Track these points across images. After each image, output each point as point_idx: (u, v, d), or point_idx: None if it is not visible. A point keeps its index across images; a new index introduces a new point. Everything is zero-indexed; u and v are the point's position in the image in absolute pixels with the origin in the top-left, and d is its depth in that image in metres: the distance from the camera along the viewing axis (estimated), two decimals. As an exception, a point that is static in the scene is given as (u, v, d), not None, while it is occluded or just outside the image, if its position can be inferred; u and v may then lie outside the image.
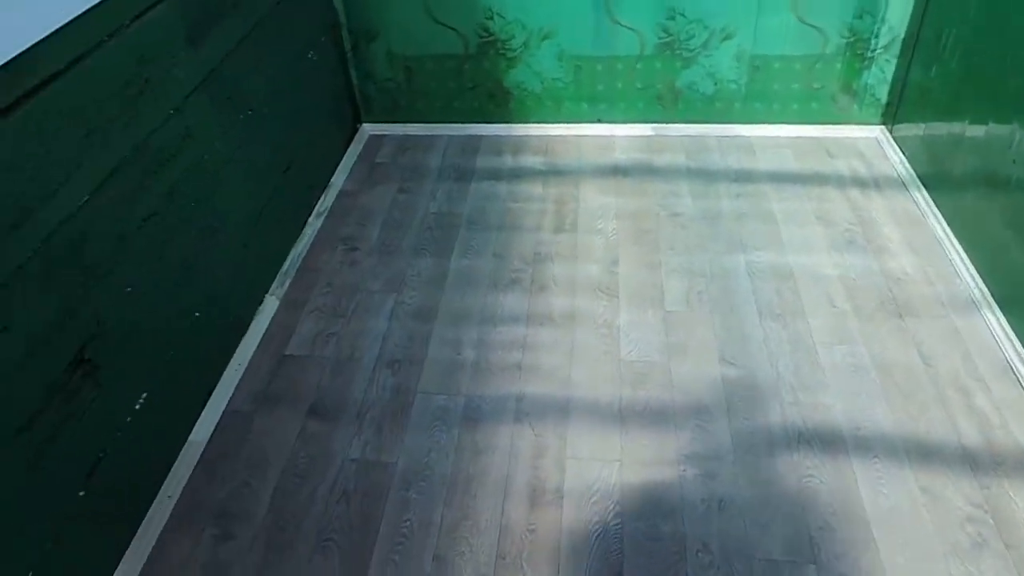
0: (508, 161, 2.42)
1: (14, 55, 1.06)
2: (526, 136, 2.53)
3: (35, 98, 1.12)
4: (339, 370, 1.73)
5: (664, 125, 2.50)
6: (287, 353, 1.77)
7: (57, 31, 1.15)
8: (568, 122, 2.52)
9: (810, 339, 1.74)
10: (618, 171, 2.34)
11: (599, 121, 2.51)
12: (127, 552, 1.34)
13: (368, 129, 2.59)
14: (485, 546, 1.37)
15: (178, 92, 1.50)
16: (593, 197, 2.24)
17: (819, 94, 2.39)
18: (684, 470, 1.47)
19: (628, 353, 1.73)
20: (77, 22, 1.20)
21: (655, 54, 2.34)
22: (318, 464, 1.52)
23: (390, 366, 1.73)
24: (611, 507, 1.42)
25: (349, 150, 2.48)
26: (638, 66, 2.38)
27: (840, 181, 2.25)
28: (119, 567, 1.32)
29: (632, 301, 1.87)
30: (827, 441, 1.51)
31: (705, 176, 2.31)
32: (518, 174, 2.36)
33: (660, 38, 2.31)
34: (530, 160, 2.42)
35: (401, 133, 2.58)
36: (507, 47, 2.36)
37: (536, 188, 2.28)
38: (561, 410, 1.61)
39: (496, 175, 2.35)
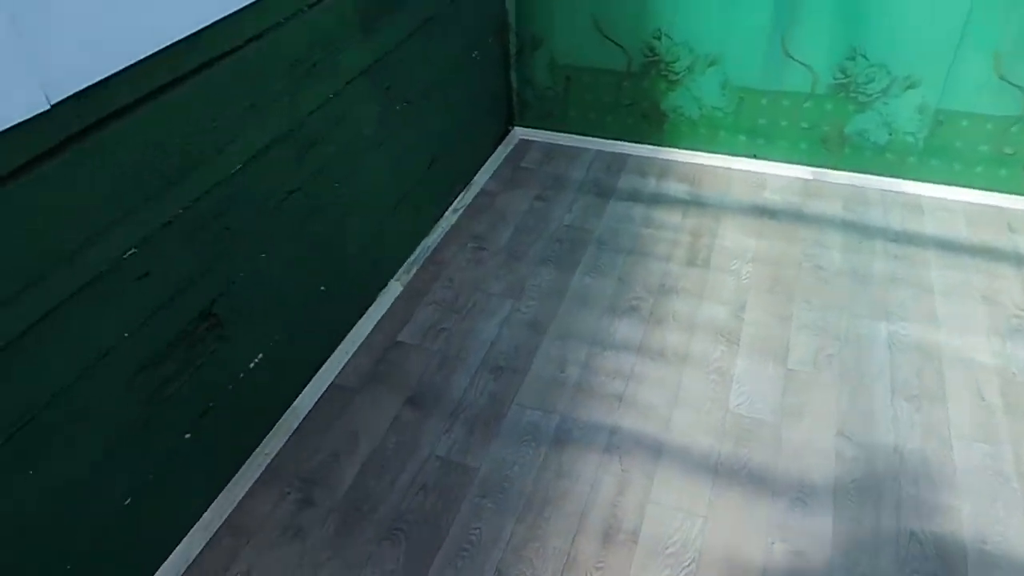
0: (651, 184, 2.36)
1: (200, 28, 1.16)
2: (674, 161, 2.46)
3: (211, 69, 1.21)
4: (443, 365, 1.76)
5: (825, 170, 2.35)
6: (399, 339, 1.83)
7: (242, 9, 1.24)
8: (721, 153, 2.42)
9: (946, 430, 1.57)
10: (765, 212, 2.23)
11: (755, 156, 2.40)
12: (219, 496, 1.43)
13: (519, 133, 2.62)
14: (548, 572, 1.34)
15: (341, 77, 1.58)
16: (733, 235, 2.14)
17: (1010, 160, 2.16)
18: (772, 543, 1.38)
19: (737, 405, 1.64)
20: (260, 4, 1.29)
21: (827, 94, 2.20)
22: (405, 453, 1.56)
23: (493, 371, 1.74)
24: (686, 563, 1.35)
25: (497, 151, 2.52)
26: (806, 105, 2.25)
27: (1018, 260, 2.02)
28: (209, 508, 1.41)
29: (753, 351, 1.77)
30: (943, 548, 1.36)
31: (860, 231, 2.14)
32: (659, 199, 2.30)
33: (835, 78, 2.17)
34: (674, 187, 2.35)
35: (550, 141, 2.59)
36: (670, 69, 2.30)
37: (674, 216, 2.22)
38: (654, 450, 1.55)
39: (636, 197, 2.31)
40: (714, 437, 1.57)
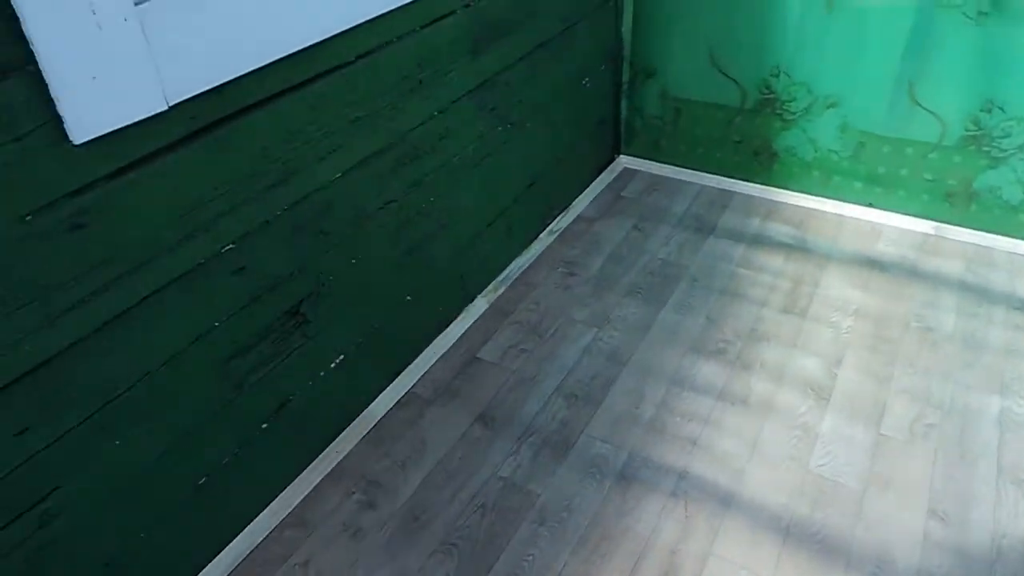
0: (754, 225, 2.29)
1: (312, 43, 1.22)
2: (782, 203, 2.38)
3: (320, 81, 1.28)
4: (518, 387, 1.76)
5: (947, 226, 2.20)
6: (478, 356, 1.85)
7: (356, 27, 1.31)
8: (834, 198, 2.32)
9: (1054, 522, 1.43)
10: (875, 264, 2.11)
11: (870, 205, 2.28)
12: (288, 488, 1.49)
13: (624, 161, 2.61)
14: (596, 611, 1.32)
15: (447, 96, 1.62)
16: (836, 285, 2.04)
17: None
18: (839, 616, 1.29)
19: (819, 466, 1.56)
20: (374, 22, 1.35)
21: (956, 146, 2.07)
22: (469, 469, 1.57)
23: (567, 398, 1.73)
24: (742, 624, 1.29)
25: (600, 178, 2.52)
26: (932, 155, 2.12)
27: None
28: (278, 498, 1.47)
29: (843, 411, 1.68)
30: (1034, 651, 1.24)
31: (980, 294, 1.99)
32: (761, 240, 2.22)
33: (967, 130, 2.03)
34: (778, 229, 2.27)
35: (655, 172, 2.56)
36: (786, 108, 2.23)
37: (775, 260, 2.14)
38: (723, 501, 1.49)
39: (737, 236, 2.24)
40: (789, 496, 1.50)
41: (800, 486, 1.52)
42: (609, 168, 2.56)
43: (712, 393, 1.74)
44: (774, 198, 2.39)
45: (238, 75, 1.10)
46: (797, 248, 2.19)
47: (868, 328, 1.89)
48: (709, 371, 1.80)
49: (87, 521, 1.10)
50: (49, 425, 1.00)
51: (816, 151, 2.26)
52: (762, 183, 2.40)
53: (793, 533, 1.43)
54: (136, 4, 0.93)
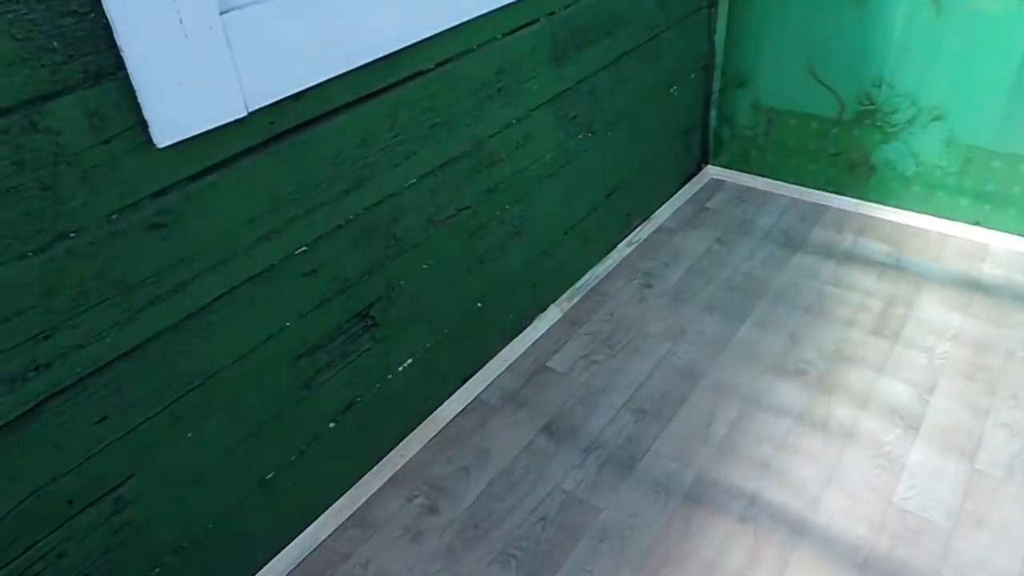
0: (846, 240, 2.18)
1: (391, 52, 1.24)
2: (878, 219, 2.25)
3: (397, 89, 1.30)
4: (586, 399, 1.74)
5: (1064, 250, 2.03)
6: (548, 365, 1.83)
7: (436, 35, 1.32)
8: (936, 216, 2.18)
9: None
10: (978, 287, 1.97)
11: (977, 224, 2.13)
12: (352, 488, 1.52)
13: (711, 172, 2.54)
14: (653, 635, 1.28)
15: (526, 103, 1.62)
16: (933, 308, 1.91)
17: None
18: (916, 666, 1.21)
19: (903, 500, 1.46)
20: (456, 30, 1.36)
21: (1078, 164, 1.91)
22: (532, 480, 1.56)
23: (635, 413, 1.69)
24: (807, 664, 1.22)
25: (684, 188, 2.46)
26: (1049, 174, 1.96)
27: None
28: (341, 497, 1.50)
29: (934, 442, 1.57)
30: None
31: (1099, 326, 1.83)
32: (852, 257, 2.11)
33: (1091, 147, 1.87)
34: (872, 246, 2.15)
35: (743, 183, 2.48)
36: (887, 120, 2.11)
37: (867, 279, 2.02)
38: (795, 530, 1.42)
39: (827, 252, 2.14)
40: (868, 529, 1.41)
41: (881, 519, 1.43)
42: (695, 179, 2.50)
43: (790, 415, 1.66)
44: (870, 213, 2.27)
45: (317, 83, 1.13)
46: (892, 267, 2.06)
47: (966, 355, 1.77)
48: (788, 392, 1.72)
49: (158, 509, 1.15)
50: (126, 415, 1.06)
51: (918, 165, 2.13)
52: (857, 197, 2.29)
53: (870, 569, 1.35)
54: (221, 13, 0.97)
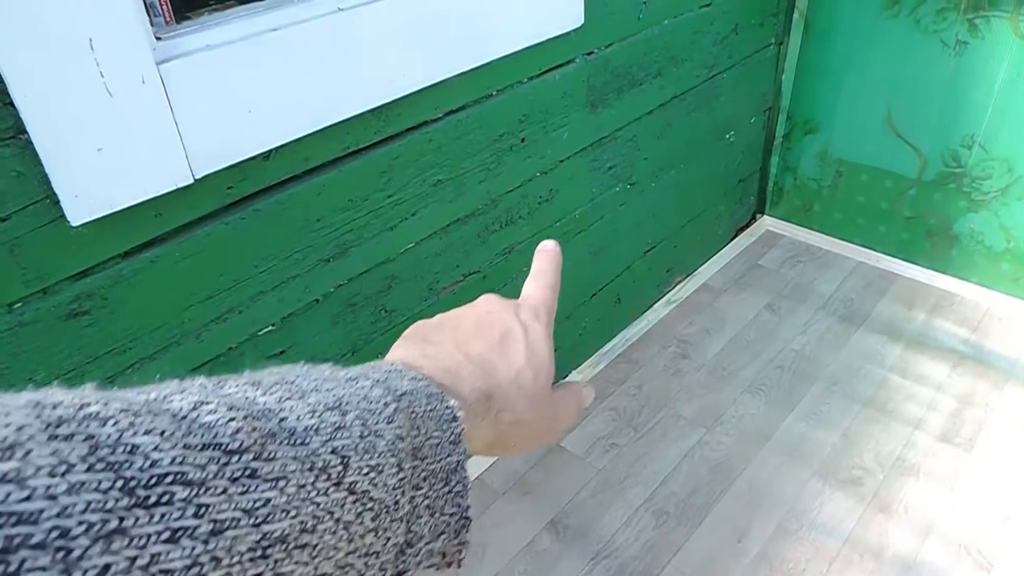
0: (918, 319, 1.91)
1: (389, 100, 1.05)
2: (957, 296, 1.97)
3: (397, 141, 1.11)
4: (602, 490, 1.52)
5: None
6: (561, 444, 1.63)
7: (438, 83, 1.12)
8: (1026, 299, 1.90)
9: None
10: (1074, 392, 1.69)
11: (1075, 313, 1.84)
12: None
13: (768, 223, 2.29)
14: None
15: (554, 154, 1.41)
16: (1019, 412, 1.64)
17: None
18: None
19: (969, 667, 1.21)
20: (470, 74, 1.16)
21: None
22: (528, 591, 1.36)
23: (656, 515, 1.47)
24: None
25: (736, 241, 2.21)
26: None
27: None
28: None
29: (1010, 591, 1.31)
30: None
31: None
32: (924, 341, 1.84)
33: None
34: (948, 329, 1.88)
35: (803, 240, 2.22)
36: (976, 186, 1.84)
37: (940, 369, 1.76)
38: None
39: (894, 332, 1.87)
40: None
41: None
42: (749, 230, 2.25)
43: (838, 536, 1.42)
44: (947, 288, 1.99)
45: (285, 142, 0.94)
46: (970, 357, 1.79)
47: (1056, 479, 1.50)
48: (837, 505, 1.48)
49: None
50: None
51: (1010, 241, 1.85)
52: (934, 269, 2.01)
53: None
54: (160, 63, 0.79)
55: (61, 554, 0.17)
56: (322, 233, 1.06)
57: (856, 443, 1.60)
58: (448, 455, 0.30)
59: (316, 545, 0.23)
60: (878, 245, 2.09)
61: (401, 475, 0.27)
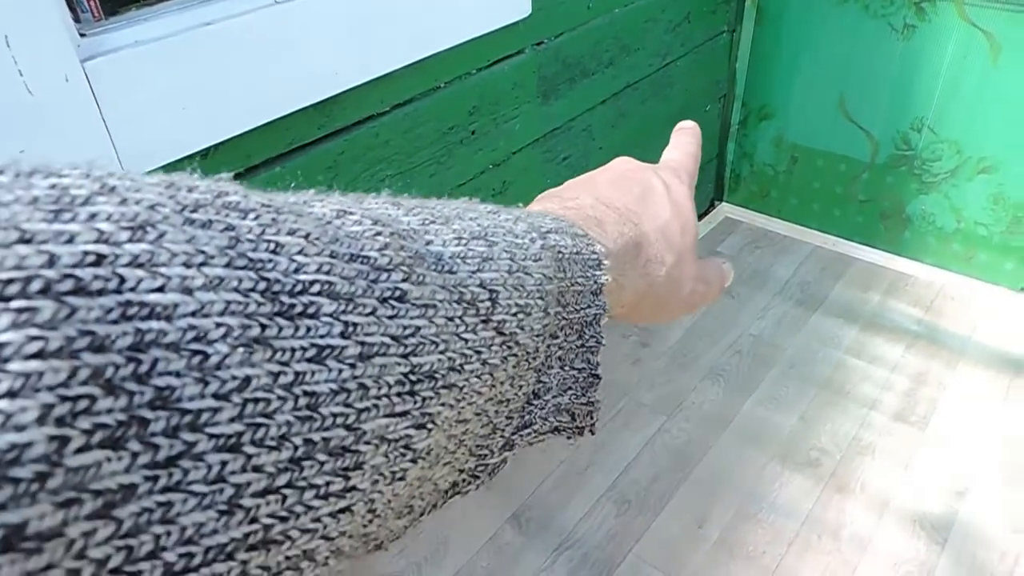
0: (873, 301, 1.94)
1: (333, 94, 1.03)
2: (910, 277, 2.01)
3: (342, 136, 1.09)
4: (563, 482, 1.53)
5: (1124, 328, 1.78)
6: (524, 437, 1.62)
7: (391, 73, 1.11)
8: (977, 278, 1.93)
9: None
10: (1023, 366, 1.73)
11: (1023, 291, 1.88)
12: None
13: (726, 210, 2.30)
14: None
15: (506, 146, 1.41)
16: (971, 390, 1.67)
17: None
18: None
19: (923, 641, 1.24)
20: (417, 66, 1.15)
21: None
22: (491, 584, 1.35)
23: (618, 504, 1.48)
24: None
25: (695, 227, 2.22)
26: (1112, 241, 1.71)
27: None
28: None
29: (962, 561, 1.34)
30: None
31: None
32: (879, 322, 1.87)
33: None
34: (903, 309, 1.91)
35: (760, 225, 2.24)
36: (926, 168, 1.87)
37: (894, 350, 1.79)
38: (792, 674, 1.21)
39: (850, 314, 1.90)
40: None
41: (895, 668, 1.21)
42: (707, 217, 2.27)
43: (797, 516, 1.44)
44: (901, 269, 2.03)
45: (224, 139, 0.92)
46: (924, 336, 1.83)
47: (1008, 452, 1.53)
48: (796, 487, 1.50)
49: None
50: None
51: (959, 221, 1.88)
52: (888, 251, 2.04)
53: None
54: (84, 60, 0.76)
55: (198, 359, 0.14)
56: (267, 231, 1.04)
57: (814, 425, 1.62)
58: (588, 306, 0.28)
59: (462, 387, 0.21)
60: (834, 229, 2.12)
61: (546, 320, 0.25)
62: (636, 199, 0.35)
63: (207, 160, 0.93)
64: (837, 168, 2.02)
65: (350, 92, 1.06)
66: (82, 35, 0.78)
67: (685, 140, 0.43)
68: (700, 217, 2.25)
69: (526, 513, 1.47)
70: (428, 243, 0.22)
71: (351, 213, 0.20)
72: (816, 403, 1.67)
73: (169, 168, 0.88)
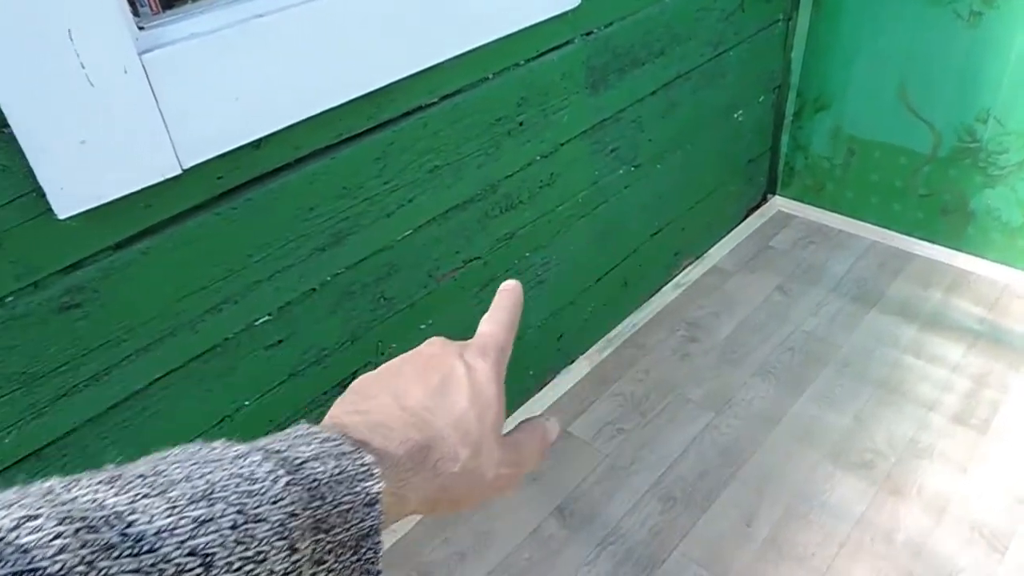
0: (933, 299, 1.87)
1: (382, 85, 1.04)
2: (973, 274, 1.93)
3: (391, 127, 1.10)
4: (608, 476, 1.52)
5: None
6: (568, 430, 1.62)
7: (440, 64, 1.11)
8: (1045, 276, 1.85)
9: None
10: (1094, 370, 1.65)
11: (1096, 290, 1.80)
12: None
13: (779, 203, 2.25)
14: None
15: (554, 137, 1.40)
16: (1035, 394, 1.61)
17: None
18: None
19: (981, 651, 1.20)
20: (465, 57, 1.14)
21: None
22: (535, 574, 1.35)
23: (663, 500, 1.46)
24: None
25: (747, 222, 2.18)
26: None
27: None
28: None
29: (1023, 572, 1.29)
30: None
31: None
32: (939, 321, 1.81)
33: None
34: (964, 308, 1.84)
35: (815, 220, 2.18)
36: (992, 161, 1.79)
37: (955, 350, 1.72)
38: None
39: (909, 312, 1.84)
40: None
41: None
42: (760, 211, 2.22)
43: (849, 518, 1.40)
44: (963, 267, 1.95)
45: (275, 130, 0.93)
46: (986, 336, 1.76)
47: (1074, 460, 1.47)
48: (849, 488, 1.46)
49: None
50: (32, 518, 0.90)
51: (1027, 216, 1.81)
52: (949, 247, 1.97)
53: None
54: (141, 53, 0.78)
55: None
56: (317, 221, 1.05)
57: (868, 425, 1.57)
58: (361, 520, 0.28)
59: None
60: (892, 224, 2.05)
61: (295, 557, 0.25)
62: (434, 391, 0.35)
63: (259, 150, 0.95)
64: (896, 161, 1.96)
65: (399, 83, 1.06)
66: (140, 28, 0.80)
67: (502, 306, 0.41)
68: (752, 211, 2.21)
69: (570, 507, 1.46)
70: (130, 524, 0.22)
71: (34, 518, 0.20)
72: (871, 403, 1.62)
73: (223, 158, 0.90)
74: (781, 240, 2.13)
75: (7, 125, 0.72)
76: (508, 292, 0.43)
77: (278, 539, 0.25)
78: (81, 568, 0.20)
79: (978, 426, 1.55)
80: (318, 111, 0.97)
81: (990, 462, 1.47)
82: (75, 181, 0.78)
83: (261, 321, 1.04)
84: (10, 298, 0.79)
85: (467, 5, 1.09)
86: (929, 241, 2.00)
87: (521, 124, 1.31)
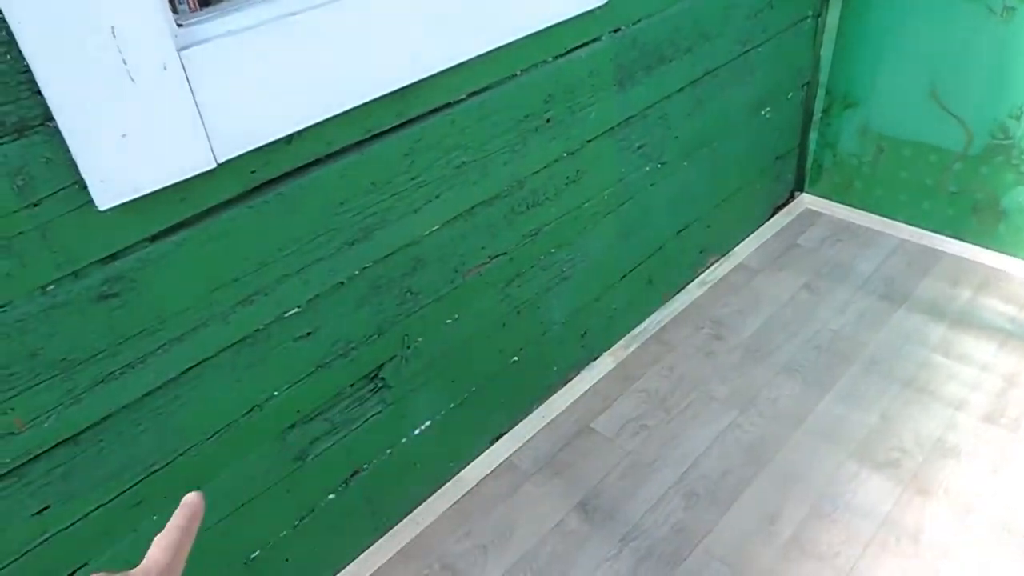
0: (963, 298, 1.85)
1: (411, 82, 1.05)
2: (1004, 273, 1.90)
3: (419, 124, 1.11)
4: (631, 472, 1.52)
5: None
6: (591, 426, 1.62)
7: (468, 61, 1.12)
8: (1079, 276, 1.82)
9: None
10: None
11: None
12: (354, 562, 1.36)
13: (807, 201, 2.23)
14: None
15: (580, 135, 1.40)
16: (1068, 395, 1.58)
17: None
18: None
19: (1009, 653, 1.18)
20: (493, 54, 1.16)
21: None
22: (556, 569, 1.36)
23: (686, 497, 1.46)
24: None
25: (773, 220, 2.17)
26: None
27: None
28: (343, 572, 1.35)
29: (1055, 578, 1.27)
30: None
31: None
32: (968, 320, 1.79)
33: None
34: (995, 307, 1.81)
35: (843, 218, 2.16)
36: (1025, 159, 1.77)
37: (985, 349, 1.70)
38: None
39: (937, 311, 1.82)
40: None
41: None
42: (787, 209, 2.20)
43: (874, 518, 1.39)
44: (994, 265, 1.92)
45: (307, 125, 0.95)
46: (1017, 335, 1.73)
47: (1108, 463, 1.44)
48: (874, 487, 1.45)
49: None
50: (72, 503, 0.93)
51: (1061, 215, 1.78)
52: (980, 245, 1.94)
53: None
54: (180, 50, 0.80)
55: None
56: (346, 216, 1.07)
57: (895, 424, 1.56)
58: None
59: None
60: (922, 222, 2.02)
61: None
62: None
63: (291, 145, 0.97)
64: (927, 158, 1.93)
65: (427, 80, 1.08)
66: (179, 25, 0.82)
67: (175, 526, 0.42)
68: (779, 208, 2.19)
69: (593, 502, 1.47)
70: None
71: None
72: (898, 402, 1.60)
73: (256, 153, 0.92)
74: (808, 238, 2.12)
75: (52, 119, 0.75)
76: (185, 508, 0.43)
77: None
78: None
79: (1008, 426, 1.53)
80: (348, 107, 0.99)
81: (1020, 462, 1.46)
82: (115, 174, 0.80)
83: (291, 313, 1.06)
84: (52, 286, 0.82)
85: (496, 3, 1.10)
86: (959, 239, 1.97)
87: (548, 121, 1.32)
